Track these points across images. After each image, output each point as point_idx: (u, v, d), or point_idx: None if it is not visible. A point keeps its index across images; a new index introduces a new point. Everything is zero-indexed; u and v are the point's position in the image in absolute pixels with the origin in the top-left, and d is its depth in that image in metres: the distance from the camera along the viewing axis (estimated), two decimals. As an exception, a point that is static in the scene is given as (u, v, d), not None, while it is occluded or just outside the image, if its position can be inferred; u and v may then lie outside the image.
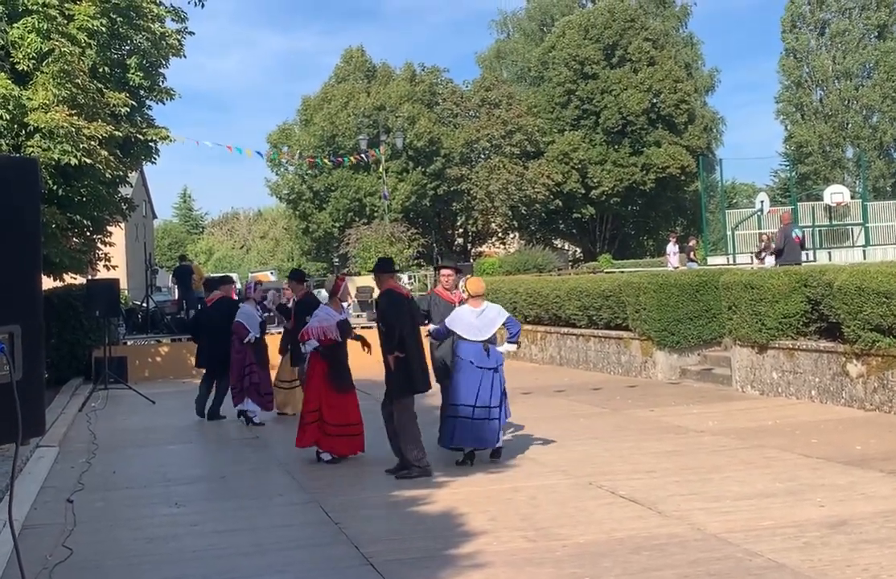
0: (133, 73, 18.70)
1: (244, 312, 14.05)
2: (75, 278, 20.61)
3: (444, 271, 11.16)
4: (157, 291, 33.50)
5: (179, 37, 19.54)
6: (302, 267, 57.13)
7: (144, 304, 25.75)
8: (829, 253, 31.70)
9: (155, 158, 20.73)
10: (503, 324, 9.98)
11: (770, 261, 21.45)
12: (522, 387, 16.03)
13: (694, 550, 6.42)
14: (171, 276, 35.68)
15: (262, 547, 7.04)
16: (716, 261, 31.72)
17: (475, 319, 9.85)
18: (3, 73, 15.52)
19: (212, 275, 29.67)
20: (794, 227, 19.45)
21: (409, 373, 9.40)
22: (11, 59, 16.08)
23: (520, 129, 49.11)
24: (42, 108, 15.53)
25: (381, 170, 44.50)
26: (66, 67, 15.70)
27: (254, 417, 13.68)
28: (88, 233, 19.89)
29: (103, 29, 17.15)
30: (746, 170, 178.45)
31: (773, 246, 21.78)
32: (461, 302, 10.33)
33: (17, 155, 14.78)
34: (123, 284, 33.82)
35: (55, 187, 16.45)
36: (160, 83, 19.83)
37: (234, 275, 38.23)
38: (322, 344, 10.25)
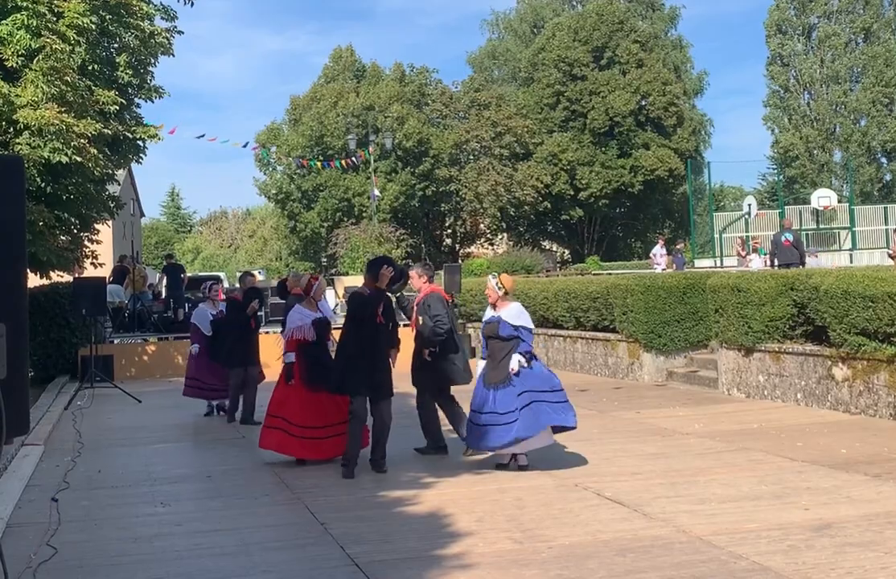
0: (122, 71, 18.65)
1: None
2: (62, 276, 20.53)
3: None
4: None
5: (169, 35, 19.49)
6: (290, 266, 57.04)
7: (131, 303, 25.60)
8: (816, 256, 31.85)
9: (142, 157, 20.70)
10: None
11: (756, 264, 22.43)
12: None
13: (679, 552, 6.44)
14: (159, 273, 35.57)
15: (247, 546, 7.03)
16: (703, 263, 31.82)
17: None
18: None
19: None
20: (785, 232, 20.66)
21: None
22: (0, 56, 16.01)
23: (509, 131, 49.12)
24: (31, 106, 15.46)
25: (370, 170, 44.46)
26: (55, 65, 15.64)
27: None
28: (76, 231, 19.82)
29: (92, 26, 17.09)
30: (734, 173, 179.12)
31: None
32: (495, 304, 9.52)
33: (3, 153, 14.72)
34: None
35: (43, 184, 16.38)
36: (149, 81, 19.79)
37: (222, 274, 38.04)
38: (300, 343, 10.19)
